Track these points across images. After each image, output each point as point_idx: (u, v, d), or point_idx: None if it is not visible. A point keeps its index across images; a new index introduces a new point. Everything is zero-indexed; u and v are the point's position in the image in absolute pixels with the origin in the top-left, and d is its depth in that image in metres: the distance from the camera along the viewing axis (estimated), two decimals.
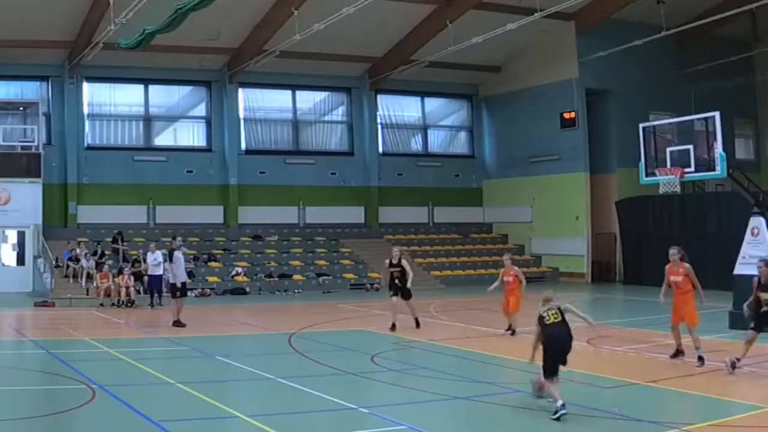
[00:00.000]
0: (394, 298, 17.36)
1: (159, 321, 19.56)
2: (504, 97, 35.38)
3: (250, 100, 33.51)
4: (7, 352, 15.19)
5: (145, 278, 24.94)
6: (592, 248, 32.08)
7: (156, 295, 22.64)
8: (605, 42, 29.81)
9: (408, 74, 32.85)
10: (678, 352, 13.11)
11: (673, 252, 13.07)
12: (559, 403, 9.35)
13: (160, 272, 21.87)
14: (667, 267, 13.17)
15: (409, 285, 17.42)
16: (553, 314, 9.93)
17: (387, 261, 17.76)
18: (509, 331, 16.31)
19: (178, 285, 18.40)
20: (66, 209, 29.83)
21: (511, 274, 16.54)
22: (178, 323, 18.02)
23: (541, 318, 9.94)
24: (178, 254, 18.51)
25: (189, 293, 21.88)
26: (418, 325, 17.42)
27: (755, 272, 12.31)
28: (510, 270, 16.64)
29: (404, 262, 17.59)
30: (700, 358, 12.55)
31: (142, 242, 28.52)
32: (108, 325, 19.33)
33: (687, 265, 12.98)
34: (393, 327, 17.15)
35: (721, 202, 27.79)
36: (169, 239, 21.52)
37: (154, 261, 22.01)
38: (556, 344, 9.78)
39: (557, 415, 9.24)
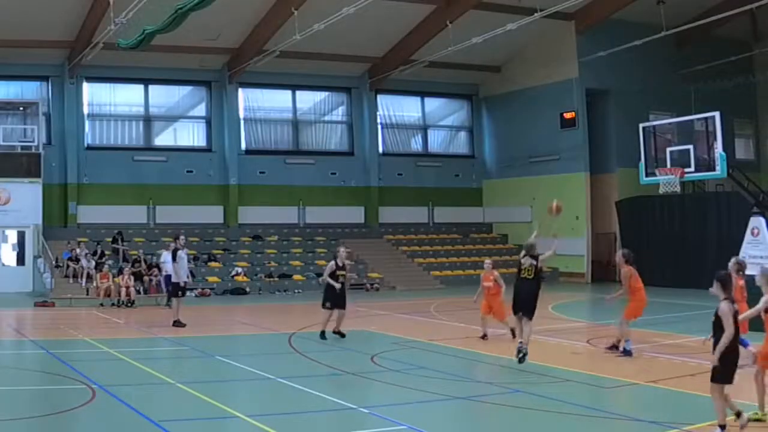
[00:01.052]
0: (335, 311, 15.87)
1: (159, 321, 19.55)
2: (504, 97, 35.36)
3: (250, 100, 33.50)
4: (7, 352, 15.19)
5: (148, 278, 25.05)
6: (592, 248, 32.06)
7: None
8: (605, 42, 29.79)
9: (408, 74, 32.84)
10: (613, 347, 13.91)
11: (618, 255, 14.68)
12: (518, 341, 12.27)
13: None
14: None
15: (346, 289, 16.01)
16: (527, 269, 12.38)
17: (332, 263, 16.10)
18: (484, 337, 15.71)
19: (181, 284, 18.45)
20: (66, 209, 29.81)
21: (490, 279, 15.87)
22: (178, 323, 18.01)
23: (519, 265, 12.66)
24: (181, 254, 18.53)
25: (189, 293, 21.88)
26: (342, 335, 15.92)
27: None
28: (489, 275, 15.95)
29: (347, 264, 16.38)
30: (625, 351, 13.49)
31: (142, 242, 28.59)
32: (108, 325, 19.33)
33: (624, 270, 14.22)
34: (323, 334, 15.88)
35: (721, 202, 27.78)
36: (171, 239, 21.40)
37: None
38: (517, 296, 12.31)
39: (519, 356, 12.14)
